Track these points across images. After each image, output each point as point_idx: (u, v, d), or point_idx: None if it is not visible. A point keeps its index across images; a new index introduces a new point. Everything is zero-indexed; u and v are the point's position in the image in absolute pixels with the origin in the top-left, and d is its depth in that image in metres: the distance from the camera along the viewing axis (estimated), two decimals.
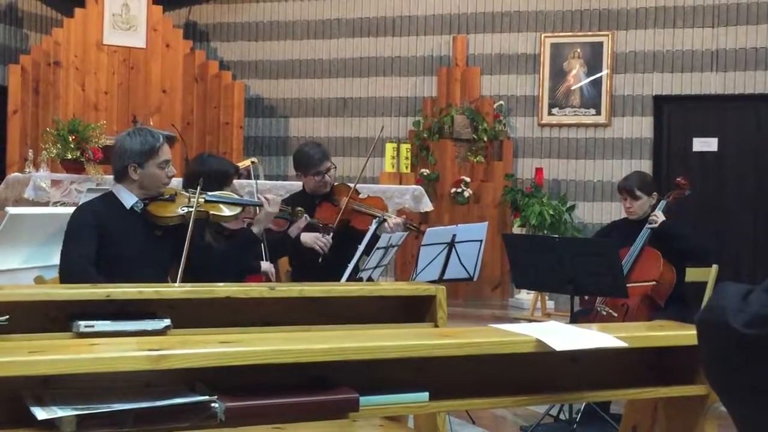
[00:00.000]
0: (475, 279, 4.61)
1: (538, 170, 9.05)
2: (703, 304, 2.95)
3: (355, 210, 4.94)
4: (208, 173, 4.17)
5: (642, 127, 8.97)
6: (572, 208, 8.97)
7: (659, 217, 4.95)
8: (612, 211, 8.69)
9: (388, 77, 9.82)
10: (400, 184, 8.38)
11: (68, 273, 3.70)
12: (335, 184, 5.06)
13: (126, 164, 3.83)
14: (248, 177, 7.47)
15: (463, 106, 9.30)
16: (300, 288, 3.32)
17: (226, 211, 4.07)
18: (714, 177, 8.75)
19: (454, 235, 4.51)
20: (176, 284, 3.56)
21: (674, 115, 9.03)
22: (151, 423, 2.03)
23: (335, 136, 9.78)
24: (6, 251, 4.42)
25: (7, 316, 2.67)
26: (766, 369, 1.38)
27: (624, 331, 2.65)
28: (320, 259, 4.71)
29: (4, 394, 2.02)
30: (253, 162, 6.04)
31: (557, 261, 4.58)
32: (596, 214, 9.04)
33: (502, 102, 9.35)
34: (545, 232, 8.47)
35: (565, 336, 2.50)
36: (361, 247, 4.55)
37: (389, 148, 8.90)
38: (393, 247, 4.53)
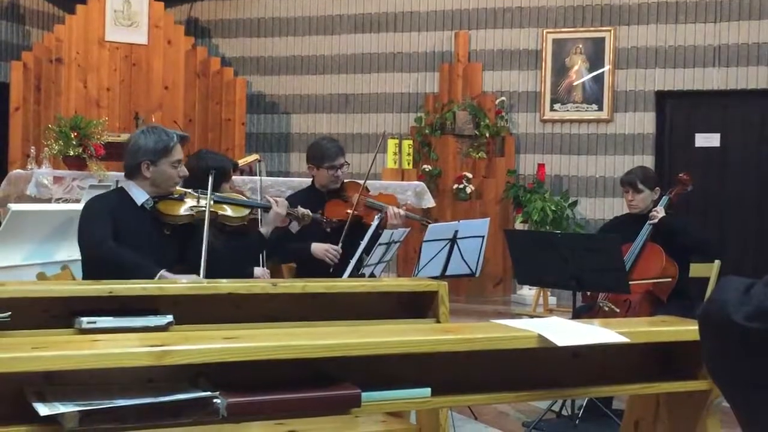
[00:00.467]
0: (477, 275, 4.60)
1: (540, 166, 9.04)
2: (706, 299, 2.95)
3: (368, 206, 4.94)
4: (206, 169, 4.17)
5: (644, 122, 8.96)
6: (574, 203, 8.96)
7: (659, 213, 4.95)
8: (614, 207, 8.68)
9: (389, 73, 9.81)
10: (402, 180, 8.37)
11: (93, 248, 3.72)
12: (345, 180, 5.07)
13: (139, 161, 3.85)
14: (251, 173, 7.49)
15: (465, 102, 9.29)
16: (302, 284, 3.33)
17: (234, 213, 4.10)
18: (716, 172, 8.74)
19: (456, 231, 4.51)
20: (179, 280, 3.56)
21: (676, 111, 9.02)
22: (153, 419, 2.03)
23: (337, 133, 9.77)
24: (8, 248, 4.43)
25: (9, 313, 2.67)
26: None
27: (626, 327, 2.65)
28: (331, 270, 4.71)
29: (7, 391, 2.02)
30: (259, 160, 6.04)
31: (559, 257, 4.57)
32: (598, 209, 9.03)
33: (504, 98, 9.34)
34: (547, 228, 8.46)
35: (567, 332, 2.50)
36: (363, 243, 4.55)
37: (391, 144, 8.89)
38: (395, 243, 4.53)
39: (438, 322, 3.26)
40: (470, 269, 4.54)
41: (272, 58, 10.26)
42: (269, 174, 8.43)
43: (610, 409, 4.66)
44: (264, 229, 4.19)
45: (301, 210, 4.45)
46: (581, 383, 2.68)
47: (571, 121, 9.17)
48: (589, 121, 9.11)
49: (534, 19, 9.29)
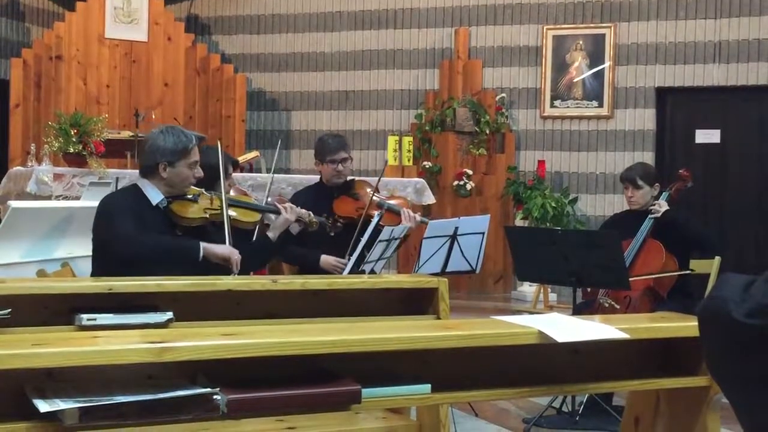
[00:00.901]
0: (477, 271, 4.60)
1: (541, 163, 9.04)
2: (706, 296, 2.95)
3: (378, 206, 4.93)
4: (206, 166, 4.17)
5: (644, 119, 8.95)
6: (575, 200, 8.96)
7: (662, 206, 4.94)
8: (614, 204, 8.68)
9: (390, 70, 9.81)
10: (402, 176, 8.37)
11: (126, 242, 3.70)
12: (355, 179, 5.06)
13: (157, 162, 3.84)
14: (251, 170, 7.50)
15: (465, 99, 9.29)
16: (302, 281, 3.33)
17: (245, 217, 4.11)
18: (716, 169, 8.73)
19: (457, 228, 4.50)
20: (179, 277, 3.56)
21: (677, 107, 9.02)
22: (153, 415, 2.03)
23: (337, 129, 9.76)
24: (8, 245, 4.43)
25: (9, 310, 2.67)
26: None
27: (626, 323, 2.65)
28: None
29: (7, 387, 2.03)
30: (263, 156, 6.02)
31: (560, 253, 4.57)
32: (599, 206, 9.03)
33: (504, 94, 9.34)
34: (548, 224, 8.46)
35: (567, 328, 2.50)
36: (363, 240, 4.55)
37: (391, 140, 8.89)
38: (395, 239, 4.53)
39: (438, 318, 3.26)
40: (470, 266, 4.54)
41: (272, 55, 10.25)
42: (269, 171, 8.42)
43: (611, 405, 4.67)
44: (272, 234, 4.20)
45: (311, 217, 4.42)
46: (581, 379, 2.68)
47: (572, 117, 9.17)
48: (589, 118, 9.11)
49: (534, 16, 9.28)
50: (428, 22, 9.66)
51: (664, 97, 8.99)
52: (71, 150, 6.38)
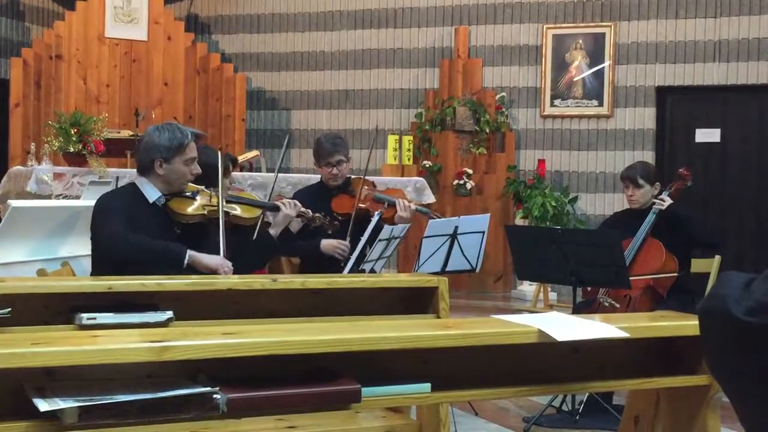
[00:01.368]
0: (477, 270, 4.61)
1: (541, 162, 9.04)
2: (706, 294, 2.95)
3: (376, 200, 4.94)
4: (205, 165, 4.16)
5: (644, 118, 8.95)
6: (575, 199, 8.96)
7: (666, 200, 4.94)
8: (614, 203, 8.68)
9: (390, 69, 9.81)
10: (402, 176, 8.38)
11: (114, 243, 3.69)
12: (352, 177, 5.07)
13: (153, 158, 3.83)
14: (251, 169, 7.50)
15: (465, 98, 9.29)
16: (302, 280, 3.33)
17: (244, 213, 4.09)
18: (716, 168, 8.74)
19: (457, 227, 4.51)
20: (179, 276, 3.56)
21: (677, 106, 9.02)
22: (153, 414, 2.03)
23: (337, 129, 9.77)
24: (8, 244, 4.43)
25: (10, 309, 2.67)
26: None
27: (626, 322, 2.65)
28: (342, 264, 4.69)
29: (7, 386, 2.02)
30: (263, 155, 6.01)
31: (560, 252, 4.57)
32: (599, 205, 9.03)
33: (504, 93, 9.34)
34: (548, 223, 8.46)
35: (567, 327, 2.50)
36: (364, 238, 4.55)
37: (391, 140, 8.90)
38: (395, 238, 4.53)
39: (438, 317, 3.26)
40: (470, 265, 4.54)
41: (272, 54, 10.25)
42: (269, 170, 8.43)
43: (611, 404, 4.67)
44: (273, 231, 4.19)
45: (312, 213, 4.42)
46: (581, 378, 2.67)
47: (572, 116, 9.17)
48: (589, 117, 9.11)
49: (534, 15, 9.28)
50: (428, 21, 9.66)
51: (664, 96, 8.99)
52: (71, 149, 6.37)
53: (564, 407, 4.76)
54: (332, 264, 4.68)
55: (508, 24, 9.39)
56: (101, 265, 3.76)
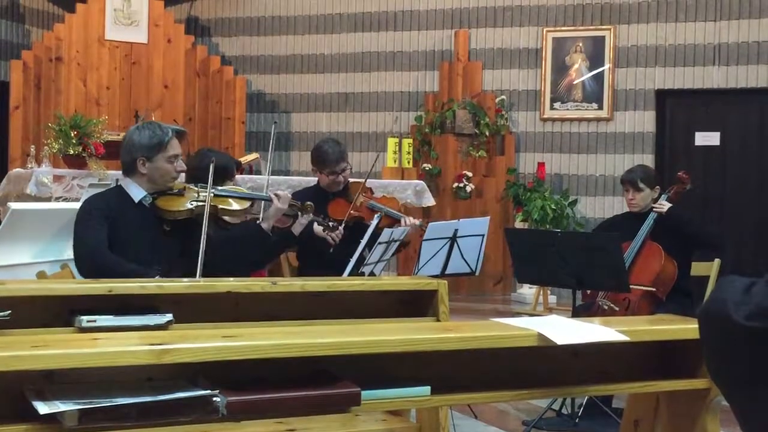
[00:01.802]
0: (477, 274, 4.60)
1: (540, 165, 9.04)
2: (706, 297, 2.95)
3: (369, 208, 4.93)
4: (206, 169, 4.16)
5: (644, 121, 8.96)
6: (574, 202, 8.96)
7: (665, 204, 4.95)
8: (614, 206, 8.68)
9: (389, 72, 9.81)
10: (402, 179, 8.38)
11: (85, 257, 3.68)
12: (351, 180, 5.07)
13: (134, 158, 3.82)
14: (251, 172, 7.50)
15: (465, 101, 9.29)
16: (302, 283, 3.33)
17: (235, 206, 4.07)
18: (716, 171, 8.74)
19: (456, 230, 4.51)
20: (185, 279, 3.55)
21: (676, 110, 9.02)
22: (153, 417, 2.03)
23: (337, 131, 9.77)
24: (8, 247, 4.43)
25: (9, 311, 2.67)
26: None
27: (626, 325, 2.65)
28: (331, 249, 4.67)
29: (7, 389, 2.02)
30: (263, 158, 6.00)
31: (559, 255, 4.57)
32: (598, 208, 9.03)
33: (504, 96, 9.34)
34: (547, 226, 8.46)
35: (567, 330, 2.50)
36: (363, 242, 4.55)
37: (391, 142, 8.90)
38: (395, 242, 4.52)
39: (438, 320, 3.26)
40: (470, 268, 4.54)
41: (272, 57, 10.26)
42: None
43: (610, 407, 4.66)
44: (265, 224, 4.16)
45: (302, 203, 4.43)
46: (581, 382, 2.68)
47: (571, 119, 9.17)
48: (589, 120, 9.11)
49: (534, 18, 9.29)
50: (428, 24, 9.67)
51: (664, 99, 8.99)
52: (71, 152, 6.37)
53: (564, 410, 4.76)
54: (331, 266, 4.67)
55: (507, 27, 9.39)
56: (84, 272, 3.75)
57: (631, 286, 4.63)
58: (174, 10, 10.10)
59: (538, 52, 9.27)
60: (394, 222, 4.82)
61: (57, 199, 6.17)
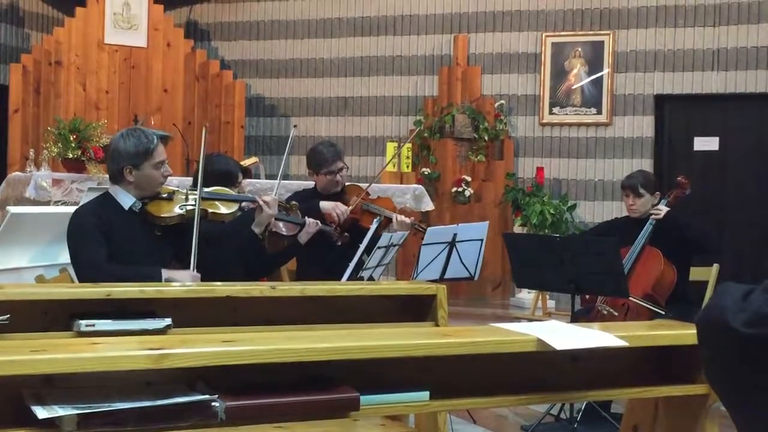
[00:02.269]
0: (475, 278, 4.61)
1: (539, 169, 9.04)
2: (704, 303, 2.95)
3: (365, 210, 4.94)
4: (212, 173, 4.17)
5: (643, 126, 8.96)
6: (573, 207, 8.96)
7: (662, 209, 4.95)
8: (613, 210, 8.68)
9: (389, 76, 9.82)
10: (401, 183, 8.38)
11: (87, 277, 3.68)
12: (347, 184, 5.07)
13: (121, 167, 3.81)
14: (250, 176, 7.50)
15: (464, 106, 9.30)
16: (301, 287, 3.33)
17: (224, 209, 4.07)
18: (715, 176, 8.74)
19: (455, 235, 4.51)
20: (178, 283, 3.56)
21: (675, 115, 9.03)
22: (151, 422, 2.03)
23: (336, 136, 9.78)
24: (7, 250, 4.43)
25: (8, 315, 2.67)
26: (766, 368, 1.38)
27: (625, 331, 2.65)
28: (339, 243, 4.65)
29: (5, 394, 2.02)
30: (262, 162, 6.00)
31: (558, 260, 4.58)
32: (597, 213, 9.03)
33: (503, 101, 9.35)
34: (546, 231, 8.47)
35: (565, 335, 2.50)
36: (362, 246, 4.55)
37: (390, 147, 8.90)
38: (394, 246, 4.53)
39: (437, 325, 3.25)
40: (469, 272, 4.54)
41: (272, 61, 10.26)
42: (269, 177, 8.43)
43: (609, 412, 4.66)
44: (257, 229, 4.17)
45: (288, 203, 4.46)
46: (580, 387, 2.67)
47: (570, 124, 9.18)
48: (588, 125, 9.12)
49: (533, 23, 9.30)
50: (427, 28, 9.68)
51: (663, 104, 9.00)
52: (70, 155, 6.38)
53: (562, 415, 4.75)
54: (330, 271, 4.67)
55: (507, 32, 9.40)
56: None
57: (634, 299, 4.64)
58: (173, 14, 10.11)
59: (537, 56, 9.27)
60: (389, 221, 4.83)
61: (56, 202, 6.17)
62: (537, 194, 8.81)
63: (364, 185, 5.28)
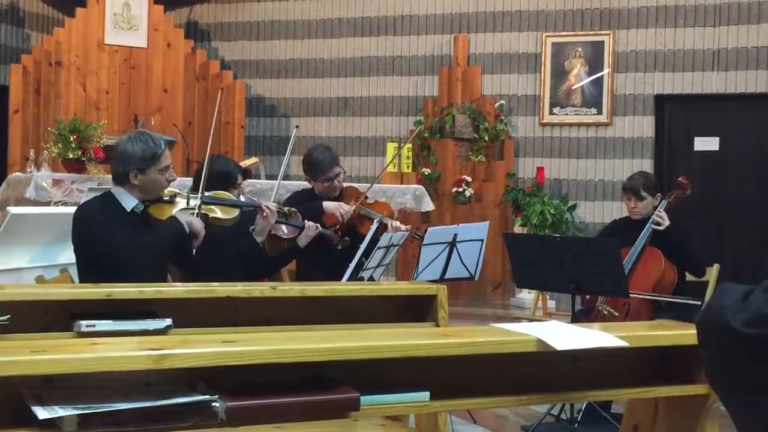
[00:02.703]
0: (476, 278, 4.61)
1: (540, 170, 9.04)
2: (704, 305, 2.95)
3: (362, 215, 4.93)
4: (212, 174, 4.18)
5: (643, 126, 8.96)
6: (573, 207, 8.96)
7: (665, 219, 4.91)
8: (613, 211, 8.69)
9: (389, 77, 9.82)
10: (402, 183, 8.38)
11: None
12: (344, 185, 5.06)
13: (127, 170, 3.82)
14: (250, 176, 7.50)
15: (465, 106, 9.30)
16: (301, 288, 3.33)
17: (225, 214, 4.08)
18: (715, 176, 8.74)
19: (456, 235, 4.51)
20: (178, 284, 3.56)
21: (675, 115, 9.03)
22: (152, 422, 2.03)
23: (336, 136, 9.78)
24: (7, 251, 4.43)
25: (9, 316, 2.67)
26: (766, 368, 1.38)
27: (625, 331, 2.65)
28: (339, 246, 4.65)
29: (5, 394, 2.02)
30: (262, 162, 6.00)
31: (558, 260, 4.58)
32: (597, 213, 9.03)
33: (503, 101, 9.35)
34: (546, 231, 8.46)
35: (566, 335, 2.51)
36: (362, 248, 4.55)
37: (390, 147, 8.90)
38: (394, 246, 4.53)
39: (437, 325, 3.26)
40: (469, 273, 4.54)
41: (272, 62, 10.26)
42: (269, 177, 8.43)
43: (609, 412, 4.66)
44: (259, 239, 4.20)
45: (285, 208, 4.46)
46: (580, 387, 2.67)
47: (570, 124, 9.18)
48: (588, 125, 9.12)
49: (533, 23, 9.29)
50: (427, 29, 9.68)
51: (663, 104, 9.00)
52: (70, 156, 6.37)
53: (563, 416, 4.75)
54: (330, 271, 4.67)
55: (507, 32, 9.40)
56: (93, 275, 3.75)
57: (633, 294, 4.63)
58: (173, 15, 10.11)
59: (538, 57, 9.27)
60: (385, 227, 4.83)
61: (56, 203, 6.17)
62: (537, 194, 8.81)
63: (363, 187, 5.26)
